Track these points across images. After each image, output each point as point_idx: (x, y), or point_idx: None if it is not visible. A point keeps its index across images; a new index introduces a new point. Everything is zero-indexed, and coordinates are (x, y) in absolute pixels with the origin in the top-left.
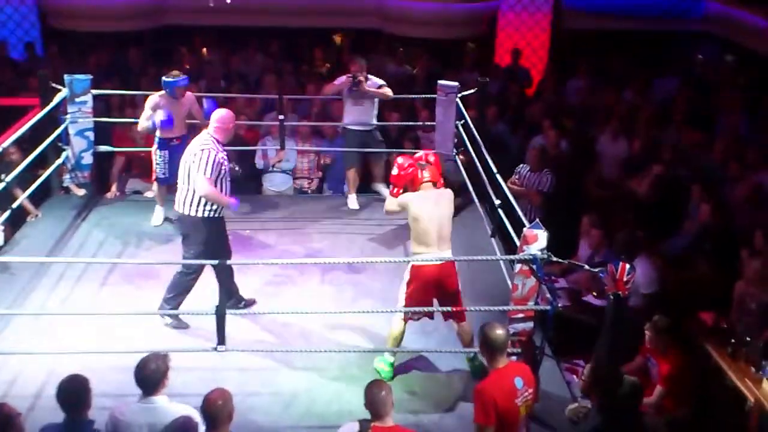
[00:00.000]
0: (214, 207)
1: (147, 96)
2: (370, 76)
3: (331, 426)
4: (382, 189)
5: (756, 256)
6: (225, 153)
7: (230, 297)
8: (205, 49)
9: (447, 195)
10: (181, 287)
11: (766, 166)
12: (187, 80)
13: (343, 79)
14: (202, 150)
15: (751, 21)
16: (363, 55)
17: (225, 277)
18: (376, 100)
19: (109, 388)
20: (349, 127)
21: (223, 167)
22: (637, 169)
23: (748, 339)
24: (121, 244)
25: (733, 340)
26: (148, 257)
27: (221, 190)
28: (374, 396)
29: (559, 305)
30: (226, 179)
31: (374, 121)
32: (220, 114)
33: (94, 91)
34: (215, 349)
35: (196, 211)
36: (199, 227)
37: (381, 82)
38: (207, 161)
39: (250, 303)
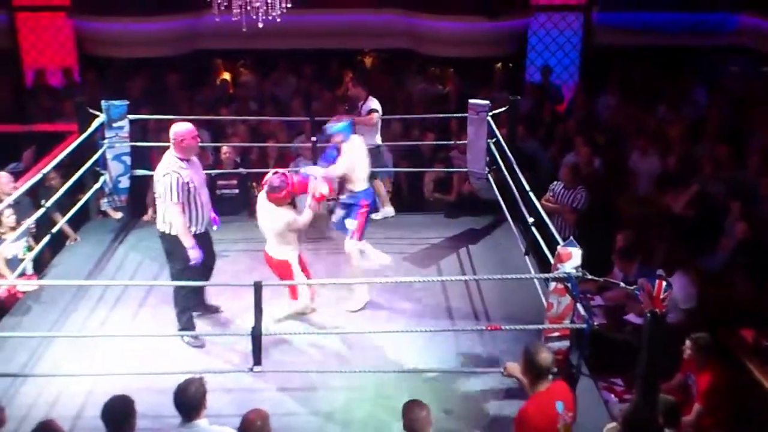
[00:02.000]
0: (195, 224)
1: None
2: (371, 98)
3: None
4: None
5: None
6: (192, 169)
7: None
8: (243, 69)
9: (265, 205)
10: (181, 304)
11: None
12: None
13: None
14: (164, 175)
15: None
16: (394, 74)
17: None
18: (378, 121)
19: (145, 409)
20: None
21: (190, 186)
22: (671, 184)
23: None
24: (158, 266)
25: None
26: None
27: (195, 209)
28: (415, 416)
29: (595, 323)
30: (199, 196)
31: (375, 141)
32: (176, 130)
33: (131, 116)
34: (251, 369)
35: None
36: (180, 244)
37: (373, 106)
38: (171, 187)
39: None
